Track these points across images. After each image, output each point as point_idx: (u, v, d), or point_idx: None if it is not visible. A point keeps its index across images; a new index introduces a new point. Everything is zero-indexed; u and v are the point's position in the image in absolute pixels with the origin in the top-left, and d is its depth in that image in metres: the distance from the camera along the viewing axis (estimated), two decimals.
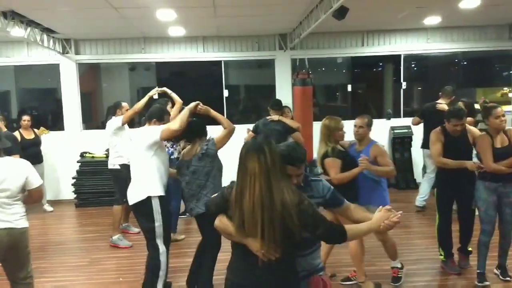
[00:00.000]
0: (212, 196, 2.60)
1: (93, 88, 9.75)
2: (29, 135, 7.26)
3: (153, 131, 3.94)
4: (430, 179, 6.82)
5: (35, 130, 7.45)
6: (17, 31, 6.25)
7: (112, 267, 5.11)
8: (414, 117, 7.14)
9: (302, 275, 2.52)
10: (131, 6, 5.80)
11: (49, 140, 7.84)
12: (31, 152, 6.78)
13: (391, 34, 8.64)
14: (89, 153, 8.21)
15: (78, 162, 8.06)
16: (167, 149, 5.86)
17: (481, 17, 7.55)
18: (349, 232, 2.31)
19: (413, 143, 8.48)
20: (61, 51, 8.20)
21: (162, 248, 3.96)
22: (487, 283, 4.33)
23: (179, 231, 6.05)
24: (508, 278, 4.40)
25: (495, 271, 4.52)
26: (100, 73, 9.82)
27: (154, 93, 5.54)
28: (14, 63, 8.56)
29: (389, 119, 8.84)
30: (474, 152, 4.58)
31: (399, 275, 4.45)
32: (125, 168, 5.51)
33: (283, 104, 6.65)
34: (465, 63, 10.06)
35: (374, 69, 10.21)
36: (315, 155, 5.71)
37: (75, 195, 7.97)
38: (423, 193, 6.85)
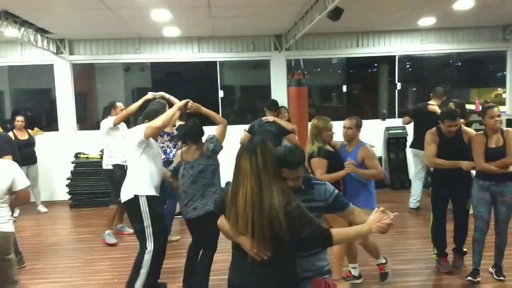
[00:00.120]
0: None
1: (87, 89, 9.72)
2: (23, 136, 7.23)
3: (138, 130, 3.97)
4: (419, 179, 6.86)
5: (29, 130, 7.41)
6: (11, 31, 6.22)
7: (107, 268, 5.08)
8: (404, 116, 7.17)
9: (305, 276, 2.52)
10: (125, 6, 5.79)
11: (43, 140, 7.81)
12: (25, 153, 6.75)
13: (386, 35, 8.67)
14: (84, 153, 8.18)
15: (72, 162, 8.03)
16: (169, 150, 5.84)
17: (475, 18, 7.58)
18: (335, 237, 2.29)
19: (407, 143, 8.51)
20: (55, 52, 8.17)
21: (150, 247, 3.95)
22: (478, 279, 4.38)
23: (174, 232, 6.04)
24: (501, 278, 4.42)
25: (491, 270, 4.54)
26: (95, 73, 9.80)
27: (150, 97, 5.40)
28: (7, 64, 8.52)
29: (384, 119, 8.87)
30: None
31: (386, 271, 4.45)
32: (118, 168, 5.66)
33: (280, 105, 6.61)
34: (459, 64, 10.12)
35: (369, 70, 10.24)
36: None
37: (69, 196, 7.93)
38: (415, 194, 6.88)
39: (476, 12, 6.85)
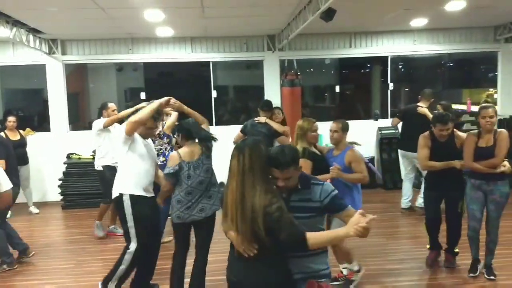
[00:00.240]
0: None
1: (80, 89, 9.67)
2: (14, 136, 7.18)
3: (121, 128, 3.99)
4: (409, 179, 6.90)
5: (21, 131, 7.37)
6: (3, 31, 6.18)
7: (99, 269, 5.05)
8: (394, 118, 7.20)
9: (297, 278, 2.54)
10: (118, 6, 5.77)
11: (35, 141, 7.76)
12: (17, 154, 6.64)
13: (378, 36, 8.70)
14: (76, 154, 8.15)
15: (64, 163, 7.99)
16: (167, 152, 5.74)
17: (467, 19, 7.64)
18: (310, 241, 2.27)
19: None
20: (47, 52, 8.13)
21: (131, 247, 3.95)
22: (479, 271, 4.53)
23: (166, 233, 6.02)
24: (492, 277, 4.46)
25: (482, 270, 4.57)
26: (87, 73, 9.75)
27: (143, 106, 5.32)
28: None
29: (376, 120, 8.91)
30: None
31: (352, 279, 4.41)
32: (108, 169, 5.75)
33: (275, 105, 6.59)
34: (451, 64, 10.17)
35: (362, 70, 10.28)
36: None
37: (61, 197, 7.90)
38: (406, 194, 6.91)
39: (468, 13, 6.89)
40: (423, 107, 6.52)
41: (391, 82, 8.89)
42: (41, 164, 8.12)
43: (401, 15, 6.98)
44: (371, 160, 8.43)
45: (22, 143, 7.28)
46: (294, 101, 7.41)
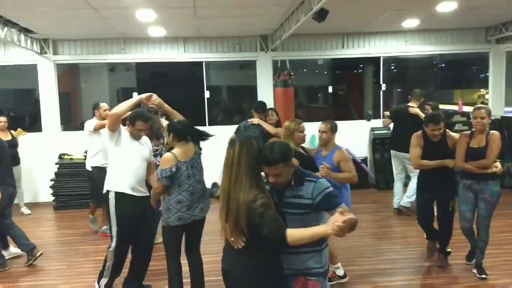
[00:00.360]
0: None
1: (71, 89, 9.63)
2: (5, 137, 7.08)
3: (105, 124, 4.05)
4: (400, 179, 6.94)
5: (12, 131, 7.31)
6: None
7: (91, 270, 5.03)
8: (384, 118, 7.22)
9: (289, 273, 2.58)
10: (110, 6, 5.74)
11: (26, 141, 7.70)
12: None
13: (371, 37, 8.74)
14: (68, 154, 8.10)
15: (56, 164, 7.94)
16: (164, 153, 5.69)
17: (458, 20, 7.69)
18: (289, 238, 2.28)
19: None
20: (39, 51, 8.07)
21: (112, 246, 4.01)
22: (472, 262, 4.67)
23: (159, 233, 6.00)
24: (483, 276, 4.49)
25: (473, 270, 4.60)
26: (79, 73, 9.70)
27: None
28: None
29: (369, 120, 8.94)
30: None
31: (332, 279, 4.41)
32: (97, 170, 5.87)
33: (269, 107, 6.58)
34: (443, 65, 10.25)
35: (355, 71, 10.32)
36: None
37: (53, 198, 7.85)
38: (398, 194, 6.94)
39: (459, 14, 6.94)
40: (414, 107, 6.55)
41: (383, 82, 8.92)
42: (33, 164, 8.06)
43: (393, 16, 7.02)
44: (364, 160, 8.45)
45: (13, 144, 7.20)
46: (287, 102, 7.42)
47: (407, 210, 6.64)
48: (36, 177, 8.16)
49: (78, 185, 7.71)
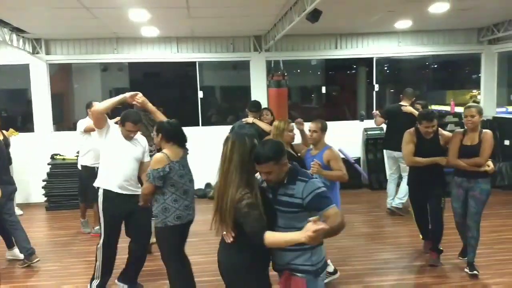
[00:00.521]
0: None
1: (64, 89, 9.59)
2: None
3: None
4: (394, 180, 6.97)
5: (4, 131, 7.24)
6: None
7: (83, 271, 5.00)
8: (374, 117, 7.24)
9: (277, 268, 2.67)
10: (103, 6, 5.72)
11: (18, 142, 7.65)
12: None
13: (364, 37, 8.77)
14: (60, 155, 8.05)
15: (48, 164, 7.90)
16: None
17: (450, 21, 7.73)
18: (266, 240, 2.35)
19: None
20: (31, 51, 8.02)
21: (99, 243, 4.11)
22: (466, 258, 4.70)
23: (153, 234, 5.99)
24: (475, 272, 4.53)
25: (466, 269, 4.62)
26: (72, 73, 9.67)
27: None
28: None
29: (362, 120, 8.94)
30: None
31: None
32: (86, 169, 6.00)
33: (264, 106, 6.59)
34: (435, 66, 10.31)
35: (348, 72, 10.37)
36: None
37: (45, 198, 7.81)
38: (391, 195, 6.96)
39: (451, 15, 6.98)
40: (406, 106, 6.59)
41: (376, 83, 8.96)
42: (25, 165, 8.00)
43: (385, 17, 7.05)
44: (357, 160, 8.48)
45: (5, 144, 7.14)
46: (281, 102, 7.41)
47: (399, 211, 6.68)
48: (28, 177, 8.10)
49: (70, 186, 7.65)
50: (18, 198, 7.66)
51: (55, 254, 5.64)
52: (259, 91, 8.50)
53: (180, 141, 3.75)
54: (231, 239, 2.53)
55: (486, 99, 9.02)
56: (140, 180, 4.21)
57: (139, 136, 4.25)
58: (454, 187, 4.64)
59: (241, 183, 2.46)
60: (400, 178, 6.92)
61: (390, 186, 6.98)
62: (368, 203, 7.67)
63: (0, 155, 5.11)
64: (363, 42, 8.80)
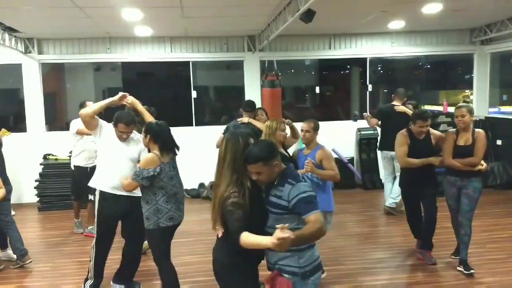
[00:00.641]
0: None
1: (57, 89, 9.52)
2: None
3: None
4: (390, 180, 6.98)
5: None
6: None
7: (76, 271, 4.98)
8: (365, 119, 7.25)
9: (269, 267, 2.67)
10: (96, 5, 5.69)
11: (10, 142, 7.58)
12: None
13: (357, 38, 8.79)
14: (52, 155, 8.01)
15: (41, 164, 7.85)
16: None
17: (443, 22, 7.77)
18: (242, 241, 2.41)
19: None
20: (23, 51, 7.97)
21: (93, 242, 4.14)
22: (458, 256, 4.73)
23: None
24: (472, 271, 4.54)
25: (458, 268, 4.65)
26: (64, 73, 9.60)
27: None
28: None
29: (355, 120, 8.95)
30: None
31: None
32: (77, 169, 6.06)
33: (258, 106, 6.58)
34: (428, 66, 10.35)
35: (341, 72, 10.39)
36: None
37: (38, 198, 7.76)
38: (387, 195, 6.99)
39: (444, 16, 7.01)
40: (399, 106, 6.61)
41: (370, 83, 8.98)
42: (17, 165, 7.92)
43: (379, 17, 7.07)
44: (351, 160, 8.50)
45: None
46: (275, 102, 7.43)
47: (392, 210, 6.70)
48: (20, 178, 8.02)
49: (63, 186, 7.60)
50: (11, 198, 7.60)
51: (48, 255, 5.61)
52: (253, 91, 8.50)
53: (167, 143, 3.69)
54: (220, 234, 2.64)
55: (479, 99, 9.07)
56: None
57: (137, 135, 4.21)
58: (447, 186, 4.67)
59: (231, 181, 2.52)
60: (394, 179, 6.94)
61: (387, 187, 7.00)
62: (361, 203, 7.69)
63: None
64: (356, 42, 8.82)
